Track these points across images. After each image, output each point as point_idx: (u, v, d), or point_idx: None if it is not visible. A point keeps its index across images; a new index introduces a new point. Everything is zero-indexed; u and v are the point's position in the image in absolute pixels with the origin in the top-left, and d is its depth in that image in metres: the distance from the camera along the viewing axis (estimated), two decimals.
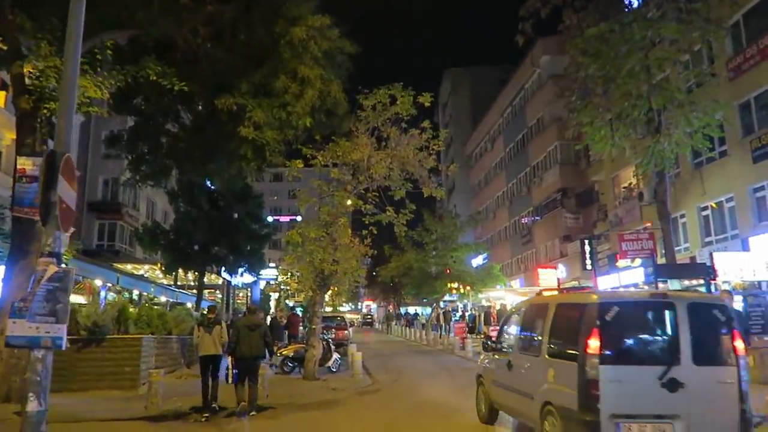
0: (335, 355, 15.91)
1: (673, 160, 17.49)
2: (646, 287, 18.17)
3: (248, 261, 22.52)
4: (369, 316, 75.35)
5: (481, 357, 9.85)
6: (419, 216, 30.40)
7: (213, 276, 29.17)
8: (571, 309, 6.83)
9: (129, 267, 29.62)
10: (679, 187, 23.95)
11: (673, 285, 16.50)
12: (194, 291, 32.74)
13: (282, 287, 35.09)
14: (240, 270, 23.86)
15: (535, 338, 7.53)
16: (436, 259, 36.58)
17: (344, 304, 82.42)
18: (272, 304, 46.24)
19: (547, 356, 6.91)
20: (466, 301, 39.33)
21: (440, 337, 29.42)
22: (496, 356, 8.81)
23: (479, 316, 31.92)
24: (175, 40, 12.43)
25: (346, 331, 23.15)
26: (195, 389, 10.92)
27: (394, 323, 51.57)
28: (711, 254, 15.90)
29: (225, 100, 12.76)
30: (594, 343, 6.02)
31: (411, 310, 57.28)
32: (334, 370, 15.77)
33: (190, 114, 15.60)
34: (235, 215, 21.37)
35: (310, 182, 14.88)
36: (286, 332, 17.81)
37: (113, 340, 12.15)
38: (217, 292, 34.08)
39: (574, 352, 6.24)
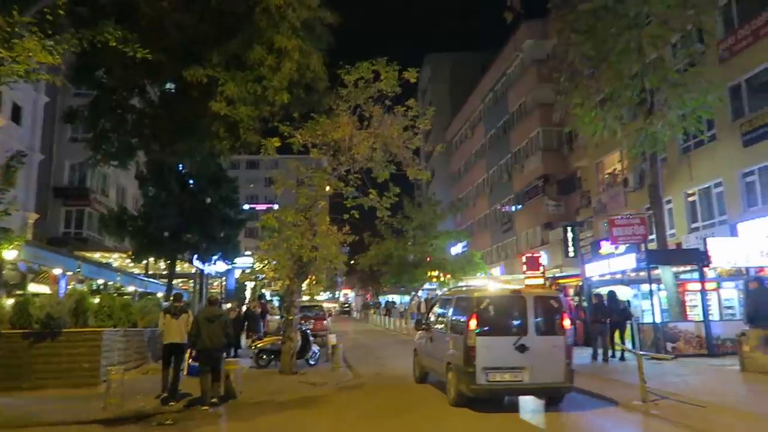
0: (314, 347, 15.02)
1: (666, 143, 16.93)
2: (633, 275, 17.63)
3: (222, 248, 21.36)
4: (347, 305, 74.60)
5: (416, 335, 13.04)
6: (400, 203, 29.56)
7: (186, 265, 27.99)
8: (463, 301, 10.20)
9: (97, 255, 28.22)
10: (666, 172, 23.44)
11: (665, 271, 15.97)
12: (165, 280, 31.66)
13: (258, 276, 34.08)
14: (213, 258, 22.66)
15: (444, 320, 10.90)
16: (416, 247, 35.89)
17: (321, 293, 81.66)
18: (248, 293, 45.13)
19: (449, 332, 10.29)
20: (445, 289, 38.72)
21: None
22: (424, 333, 12.17)
23: None
24: (137, 3, 11.31)
25: (325, 322, 22.25)
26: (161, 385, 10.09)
27: (372, 312, 50.83)
28: (705, 239, 15.34)
29: (194, 71, 11.73)
30: (473, 323, 9.25)
31: (389, 298, 56.63)
32: (313, 363, 14.89)
33: (157, 89, 14.48)
34: (208, 200, 20.19)
35: (287, 164, 13.88)
36: (262, 323, 16.88)
37: (70, 333, 11.07)
38: (191, 281, 32.87)
39: (462, 328, 9.48)
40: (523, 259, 23.16)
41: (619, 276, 17.89)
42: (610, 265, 16.90)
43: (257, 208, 75.75)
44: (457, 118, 55.58)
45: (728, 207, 20.33)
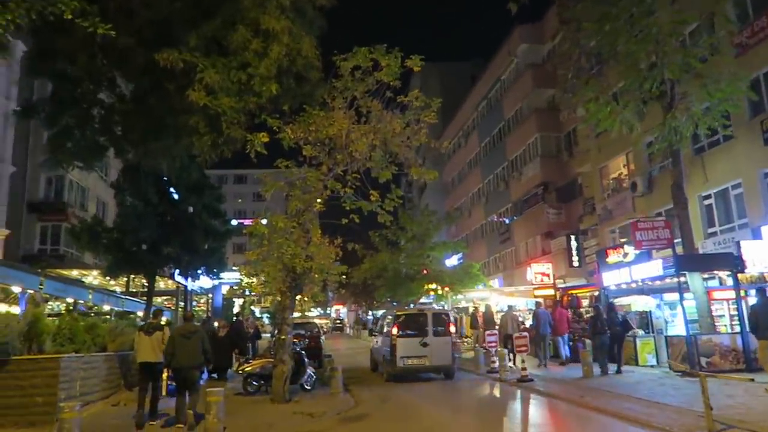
0: (309, 370, 13.36)
1: (690, 138, 15.60)
2: (652, 283, 16.24)
3: (206, 262, 19.63)
4: (339, 321, 72.56)
5: (372, 339, 20.01)
6: (393, 213, 27.98)
7: (171, 282, 26.20)
8: (392, 316, 16.09)
9: (75, 273, 26.44)
10: None
11: (693, 278, 14.52)
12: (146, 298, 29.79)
13: (246, 292, 32.31)
14: (198, 273, 20.93)
15: (383, 329, 17.05)
16: (411, 259, 34.28)
17: (312, 309, 79.59)
18: (237, 310, 43.23)
19: (384, 336, 16.12)
20: (443, 302, 37.09)
21: None
22: (375, 337, 18.57)
23: (460, 318, 29.65)
24: None
25: (321, 339, 20.55)
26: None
27: (368, 333, 49.02)
28: (738, 243, 13.96)
29: (168, 55, 10.15)
30: (395, 330, 15.02)
31: (381, 313, 54.79)
32: (308, 387, 13.23)
33: (128, 82, 12.91)
34: (190, 209, 18.52)
35: (278, 164, 12.29)
36: (250, 345, 15.23)
37: (21, 362, 9.37)
38: (175, 298, 31.01)
39: (389, 333, 15.30)
40: (533, 270, 21.58)
41: (639, 284, 16.49)
42: (633, 273, 15.44)
43: (245, 223, 73.79)
44: (449, 127, 54.31)
45: (749, 209, 19.03)
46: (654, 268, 14.58)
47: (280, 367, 11.72)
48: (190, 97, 10.30)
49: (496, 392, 13.27)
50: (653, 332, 16.15)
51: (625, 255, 24.04)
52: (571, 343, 17.53)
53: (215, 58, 10.84)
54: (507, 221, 39.56)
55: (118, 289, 26.43)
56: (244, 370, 12.96)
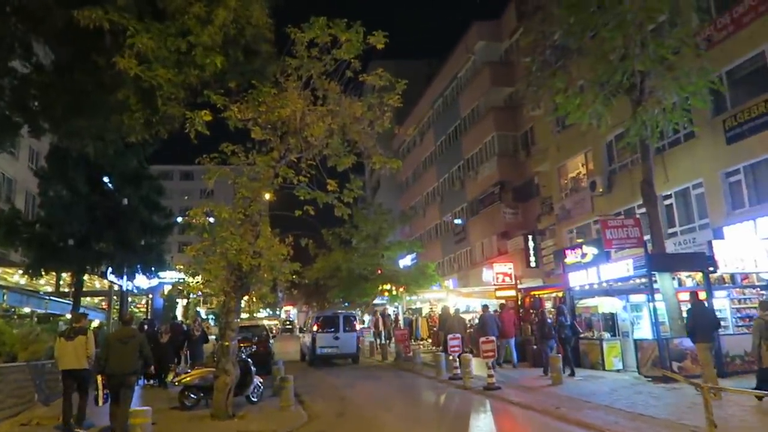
0: (256, 380, 11.96)
1: (659, 133, 15.06)
2: (619, 283, 15.68)
3: (142, 260, 17.82)
4: (289, 323, 70.53)
5: (302, 336, 27.25)
6: (350, 207, 26.81)
7: (106, 281, 24.10)
8: (313, 317, 24.53)
9: None
10: (637, 175, 21.81)
11: (663, 279, 13.91)
12: (87, 298, 27.43)
13: (187, 292, 30.42)
14: (135, 272, 19.07)
15: (307, 326, 26.84)
16: (365, 259, 33.13)
17: (261, 310, 77.25)
18: (179, 313, 41.00)
19: (308, 332, 23.54)
20: (397, 303, 36.12)
21: (379, 346, 26.00)
22: (302, 335, 27.11)
23: (415, 320, 28.69)
24: None
25: (270, 344, 19.09)
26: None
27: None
28: (710, 243, 13.46)
29: (90, 13, 8.63)
30: (315, 327, 21.96)
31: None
32: (255, 399, 11.84)
33: (51, 50, 11.24)
34: (125, 201, 16.72)
35: (222, 148, 10.84)
36: (188, 352, 13.68)
37: None
38: (113, 299, 28.76)
39: (311, 329, 22.68)
40: (494, 270, 20.79)
41: (604, 286, 15.86)
42: (601, 274, 14.75)
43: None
44: (404, 125, 53.39)
45: (710, 210, 18.77)
46: (623, 268, 13.91)
47: (222, 377, 10.32)
48: (120, 65, 8.82)
49: (464, 403, 11.99)
50: (619, 335, 15.55)
51: (584, 255, 23.66)
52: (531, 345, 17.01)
53: (150, 22, 9.39)
54: (460, 222, 38.95)
55: (50, 289, 24.17)
56: (181, 381, 11.44)
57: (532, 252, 29.21)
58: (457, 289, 29.45)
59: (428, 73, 49.71)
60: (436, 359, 16.58)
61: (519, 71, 31.22)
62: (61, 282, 23.21)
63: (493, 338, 13.80)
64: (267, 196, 11.05)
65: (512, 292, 19.77)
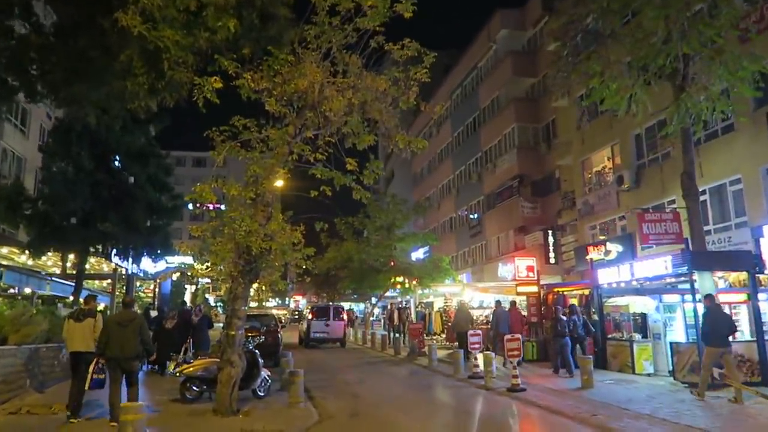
0: (263, 373, 11.13)
1: (704, 122, 13.99)
2: (649, 283, 14.69)
3: (147, 241, 17.00)
4: (298, 313, 69.96)
5: (303, 324, 30.56)
6: (360, 203, 26.11)
7: (114, 264, 23.40)
8: (309, 307, 35.77)
9: (4, 251, 23.43)
10: (668, 170, 20.83)
11: (703, 278, 12.88)
12: (92, 280, 26.77)
13: (195, 278, 29.80)
14: (140, 254, 18.30)
15: (303, 314, 41.39)
16: (378, 250, 32.30)
17: (270, 299, 76.72)
18: (188, 298, 40.45)
19: (305, 319, 29.79)
20: (409, 296, 35.24)
21: (392, 340, 25.15)
22: (301, 322, 34.36)
23: (429, 314, 27.81)
24: None
25: (279, 335, 18.28)
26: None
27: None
28: (758, 241, 12.40)
29: None
30: (310, 315, 28.58)
31: (345, 306, 52.65)
32: (262, 394, 11.02)
33: (53, 11, 10.43)
34: (131, 179, 15.93)
35: (233, 122, 9.96)
36: (191, 340, 12.89)
37: None
38: (119, 282, 28.12)
39: (307, 317, 29.48)
40: (516, 264, 19.85)
41: (636, 284, 14.86)
42: (636, 271, 13.74)
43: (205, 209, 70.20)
44: (420, 116, 52.36)
45: (748, 207, 17.68)
46: (660, 265, 12.89)
47: (227, 369, 9.49)
48: (121, 21, 7.96)
49: (489, 406, 10.93)
50: (650, 337, 14.57)
51: (607, 252, 22.64)
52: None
53: None
54: (475, 217, 37.96)
55: (57, 270, 23.55)
56: (181, 372, 10.64)
57: (551, 248, 28.21)
58: (474, 284, 28.47)
59: (447, 63, 48.65)
60: (453, 357, 15.68)
61: (542, 61, 30.17)
62: (68, 264, 22.60)
63: (519, 336, 12.87)
64: (280, 182, 10.17)
65: (534, 288, 18.78)
